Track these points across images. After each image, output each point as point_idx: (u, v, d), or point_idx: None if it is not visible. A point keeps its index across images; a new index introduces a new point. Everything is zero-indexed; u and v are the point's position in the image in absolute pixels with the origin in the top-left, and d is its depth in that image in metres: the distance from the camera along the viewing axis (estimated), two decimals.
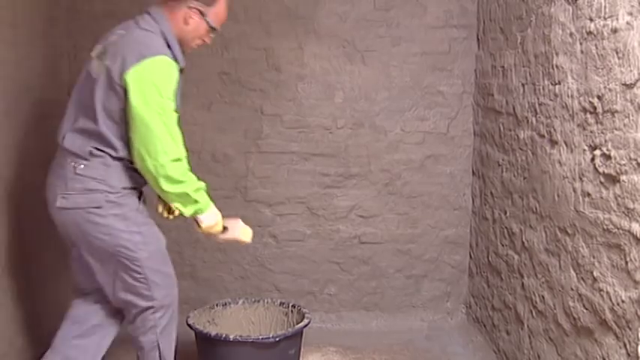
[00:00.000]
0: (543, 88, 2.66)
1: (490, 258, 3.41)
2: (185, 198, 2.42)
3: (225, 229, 2.66)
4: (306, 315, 3.04)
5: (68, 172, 2.42)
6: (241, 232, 2.71)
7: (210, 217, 2.54)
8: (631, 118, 1.93)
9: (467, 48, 3.65)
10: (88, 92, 2.39)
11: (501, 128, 3.23)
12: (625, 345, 1.97)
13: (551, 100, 2.58)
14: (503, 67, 3.19)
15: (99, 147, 2.40)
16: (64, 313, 3.41)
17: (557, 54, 2.50)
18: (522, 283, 2.94)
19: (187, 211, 2.47)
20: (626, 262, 1.96)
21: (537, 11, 2.71)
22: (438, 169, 3.73)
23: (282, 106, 3.63)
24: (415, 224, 3.77)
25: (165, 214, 2.71)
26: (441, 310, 3.84)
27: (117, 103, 2.35)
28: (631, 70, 1.92)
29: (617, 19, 2.00)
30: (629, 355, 1.95)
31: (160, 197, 2.58)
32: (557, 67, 2.50)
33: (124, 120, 2.36)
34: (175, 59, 2.44)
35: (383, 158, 3.71)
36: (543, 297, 2.68)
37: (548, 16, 2.58)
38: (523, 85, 2.92)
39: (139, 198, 2.54)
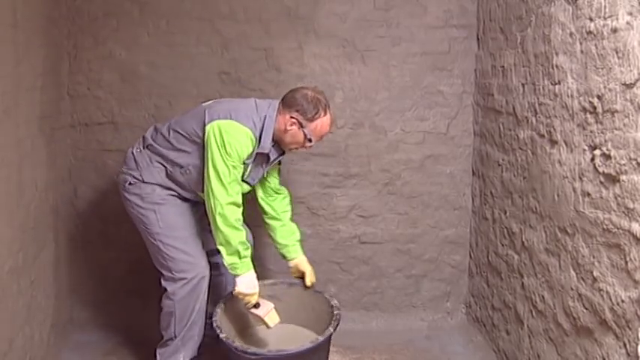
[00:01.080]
0: (543, 88, 2.66)
1: (490, 258, 3.41)
2: (229, 244, 2.76)
3: (257, 305, 2.92)
4: (326, 331, 2.84)
5: (128, 153, 3.01)
6: (270, 315, 2.94)
7: (246, 285, 2.84)
8: (631, 117, 1.93)
9: (467, 48, 3.66)
10: (192, 111, 2.91)
11: (501, 128, 3.23)
12: (625, 345, 1.97)
13: (551, 99, 2.58)
14: (503, 66, 3.19)
15: (158, 151, 2.90)
16: (64, 311, 3.42)
17: (557, 54, 2.50)
18: (522, 283, 2.94)
19: (227, 260, 2.80)
20: (626, 262, 1.96)
21: (537, 11, 2.71)
22: (438, 169, 3.74)
23: None
24: (415, 224, 3.77)
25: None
26: (441, 309, 3.84)
27: (200, 133, 2.79)
28: (631, 70, 1.92)
29: (617, 18, 2.00)
30: (628, 354, 1.95)
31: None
32: (557, 66, 2.50)
33: (192, 154, 2.84)
34: (258, 140, 2.79)
35: (383, 158, 3.71)
36: (543, 297, 2.68)
37: (548, 15, 2.58)
38: (523, 84, 2.92)
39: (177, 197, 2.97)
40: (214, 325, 2.87)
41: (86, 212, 3.64)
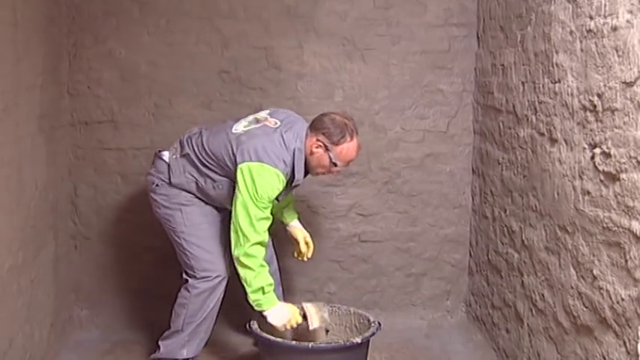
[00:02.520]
0: (543, 87, 2.66)
1: (490, 256, 3.41)
2: (255, 282, 2.81)
3: (304, 318, 2.96)
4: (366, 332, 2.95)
5: (163, 156, 3.03)
6: (317, 319, 2.99)
7: (277, 317, 2.87)
8: (631, 116, 1.93)
9: (467, 46, 3.65)
10: (221, 134, 2.92)
11: (501, 126, 3.23)
12: (625, 343, 1.97)
13: (551, 98, 2.58)
14: (503, 65, 3.18)
15: (194, 162, 2.93)
16: (63, 310, 3.42)
17: (557, 52, 2.50)
18: (522, 282, 2.94)
19: (251, 297, 2.85)
20: (626, 261, 1.96)
21: (537, 9, 2.71)
22: (438, 168, 3.73)
23: (282, 104, 3.62)
24: (415, 223, 3.77)
25: (300, 257, 3.27)
26: (441, 308, 3.84)
27: (228, 163, 2.85)
28: (631, 69, 1.91)
29: (617, 17, 2.00)
30: (628, 353, 1.95)
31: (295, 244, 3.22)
32: (557, 65, 2.50)
33: (225, 175, 2.89)
34: (292, 174, 2.83)
35: (383, 157, 3.70)
36: (543, 295, 2.68)
37: (548, 14, 2.57)
38: (523, 83, 2.92)
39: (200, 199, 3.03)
40: (253, 327, 2.92)
41: (86, 211, 3.64)
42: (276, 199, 2.90)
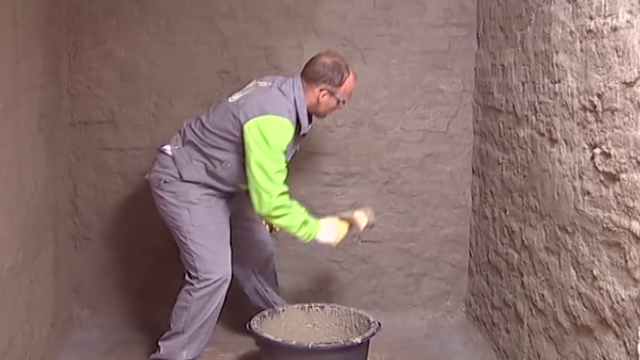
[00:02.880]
0: (543, 87, 2.66)
1: (490, 256, 3.41)
2: (296, 222, 2.84)
3: (350, 226, 3.06)
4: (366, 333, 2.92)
5: (166, 150, 2.98)
6: (365, 218, 3.09)
7: (327, 236, 2.98)
8: (631, 116, 1.93)
9: (467, 46, 3.65)
10: (220, 108, 2.95)
11: (501, 127, 3.23)
12: (625, 343, 1.97)
13: (551, 98, 2.58)
14: (503, 65, 3.18)
15: (197, 147, 2.92)
16: (64, 310, 3.42)
17: (557, 52, 2.50)
18: (522, 282, 2.94)
19: (299, 235, 2.90)
20: (626, 261, 1.96)
21: (537, 9, 2.71)
22: (438, 168, 3.73)
23: None
24: (415, 223, 3.77)
25: (269, 229, 3.29)
26: (441, 308, 3.84)
27: (233, 131, 2.84)
28: (631, 69, 1.91)
29: (617, 17, 2.00)
30: (628, 353, 1.95)
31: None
32: (557, 65, 2.50)
33: (231, 150, 2.88)
34: (298, 123, 2.86)
35: (383, 157, 3.70)
36: (543, 295, 2.68)
37: (548, 14, 2.57)
38: (523, 83, 2.92)
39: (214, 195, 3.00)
40: (253, 327, 2.89)
41: (86, 211, 3.64)
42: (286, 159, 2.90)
